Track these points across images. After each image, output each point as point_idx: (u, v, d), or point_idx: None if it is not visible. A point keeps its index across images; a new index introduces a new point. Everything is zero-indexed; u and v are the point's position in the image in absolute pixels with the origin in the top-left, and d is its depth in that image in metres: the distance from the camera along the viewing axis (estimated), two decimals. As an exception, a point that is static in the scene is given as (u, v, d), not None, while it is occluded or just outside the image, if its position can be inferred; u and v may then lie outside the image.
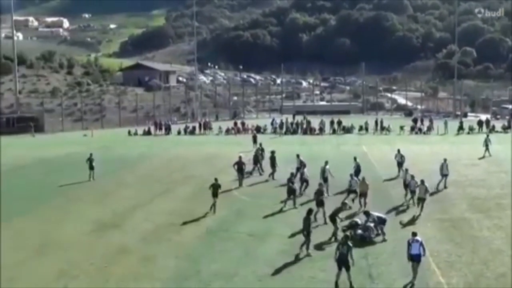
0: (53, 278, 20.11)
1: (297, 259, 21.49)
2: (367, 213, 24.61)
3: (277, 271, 20.20)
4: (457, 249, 22.07)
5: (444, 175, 33.11)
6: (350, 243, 18.78)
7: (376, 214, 24.43)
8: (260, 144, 42.77)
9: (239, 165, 35.65)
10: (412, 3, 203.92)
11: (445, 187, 32.67)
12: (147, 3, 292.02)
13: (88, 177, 38.12)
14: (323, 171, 32.39)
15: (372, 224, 23.70)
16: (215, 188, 28.96)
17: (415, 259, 19.24)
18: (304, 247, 21.72)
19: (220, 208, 29.40)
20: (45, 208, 30.40)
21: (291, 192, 29.62)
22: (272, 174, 37.49)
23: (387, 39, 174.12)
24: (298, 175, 33.46)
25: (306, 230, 21.92)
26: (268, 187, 35.08)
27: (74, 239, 24.67)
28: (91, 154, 39.02)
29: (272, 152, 38.45)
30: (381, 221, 23.92)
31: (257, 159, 39.57)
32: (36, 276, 20.25)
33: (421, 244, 19.42)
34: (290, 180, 30.37)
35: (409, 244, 19.54)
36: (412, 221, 26.10)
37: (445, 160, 33.60)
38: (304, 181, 32.40)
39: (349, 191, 29.91)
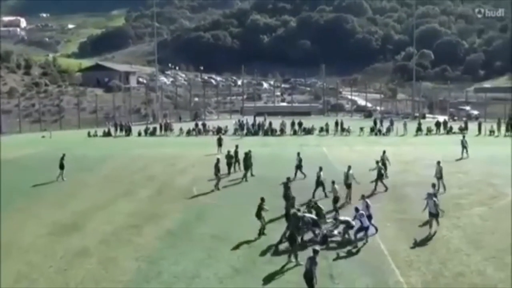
0: (12, 281, 19.77)
1: (258, 260, 21.55)
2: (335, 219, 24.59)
3: (239, 273, 20.22)
4: (416, 249, 22.36)
5: (438, 178, 32.36)
6: (317, 259, 17.72)
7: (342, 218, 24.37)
8: (237, 146, 41.61)
9: (217, 167, 34.92)
10: (372, 6, 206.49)
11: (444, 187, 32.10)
12: (106, 3, 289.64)
13: (57, 178, 38.00)
14: (347, 176, 30.77)
15: (336, 231, 23.72)
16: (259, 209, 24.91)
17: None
18: (292, 255, 21.05)
19: (181, 209, 29.38)
20: (5, 210, 29.77)
21: (288, 199, 26.99)
22: (249, 174, 37.61)
23: (347, 41, 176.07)
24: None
25: (292, 238, 21.35)
26: (237, 188, 35.07)
27: (34, 241, 24.30)
28: (64, 155, 39.03)
29: (246, 153, 38.33)
30: (348, 226, 23.80)
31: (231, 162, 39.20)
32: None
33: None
34: (287, 185, 28.65)
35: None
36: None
37: (438, 162, 33.18)
38: (320, 184, 30.99)
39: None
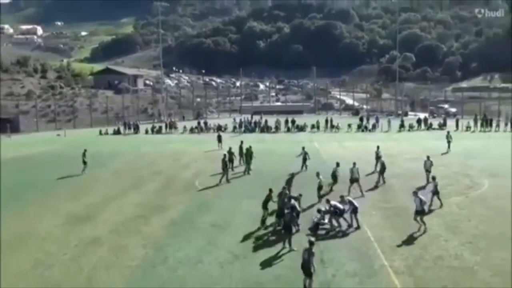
0: (30, 267, 19.77)
1: (255, 247, 21.57)
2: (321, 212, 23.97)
3: (238, 258, 20.21)
4: (399, 235, 22.35)
5: (427, 171, 32.02)
6: (313, 250, 17.35)
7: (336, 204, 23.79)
8: (242, 142, 41.07)
9: (224, 162, 34.61)
10: (358, 13, 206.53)
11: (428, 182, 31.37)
12: (116, 12, 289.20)
13: (82, 171, 38.43)
14: (352, 172, 29.82)
15: (326, 219, 23.61)
16: (267, 200, 24.49)
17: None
18: (286, 242, 21.07)
19: (185, 201, 29.37)
20: (23, 203, 29.76)
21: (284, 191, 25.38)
22: (247, 169, 37.39)
23: (336, 46, 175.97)
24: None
25: (286, 224, 21.33)
26: (236, 182, 34.79)
27: (50, 231, 24.27)
28: (85, 150, 39.23)
29: (247, 149, 38.13)
30: (334, 213, 23.67)
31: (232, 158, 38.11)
32: (13, 265, 19.86)
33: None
34: (288, 183, 27.80)
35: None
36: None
37: (428, 157, 32.74)
38: (335, 180, 30.37)
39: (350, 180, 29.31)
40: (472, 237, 22.06)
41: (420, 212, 23.14)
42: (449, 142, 45.56)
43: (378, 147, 37.26)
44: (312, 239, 18.11)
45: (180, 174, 37.96)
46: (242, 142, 41.30)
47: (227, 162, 35.07)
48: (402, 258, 19.86)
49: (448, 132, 48.06)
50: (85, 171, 38.57)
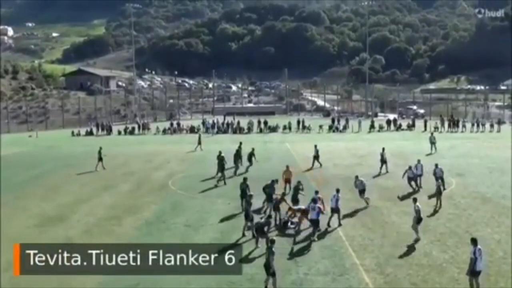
0: (2, 269, 19.37)
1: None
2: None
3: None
4: (370, 234, 22.52)
5: (418, 175, 31.24)
6: (273, 249, 16.81)
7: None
8: (240, 143, 40.15)
9: (221, 165, 34.03)
10: (329, 16, 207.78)
11: (419, 186, 31.09)
12: (87, 14, 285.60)
13: (95, 167, 39.35)
14: (355, 184, 28.06)
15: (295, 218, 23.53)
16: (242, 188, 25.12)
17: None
18: (259, 242, 20.85)
19: (158, 201, 29.17)
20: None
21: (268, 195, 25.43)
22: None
23: (307, 48, 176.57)
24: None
25: (260, 229, 21.04)
26: (209, 182, 34.44)
27: (22, 232, 23.85)
28: (100, 148, 40.10)
29: (237, 150, 37.99)
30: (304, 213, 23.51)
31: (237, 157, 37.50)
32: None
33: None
34: (272, 185, 26.03)
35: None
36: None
37: (418, 161, 32.19)
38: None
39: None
40: (440, 235, 22.32)
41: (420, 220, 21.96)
42: (433, 143, 45.33)
43: (383, 149, 36.72)
44: (274, 238, 17.98)
45: (153, 175, 37.69)
46: (241, 143, 40.21)
47: (223, 164, 34.35)
48: (373, 256, 19.97)
49: (432, 134, 48.38)
50: (102, 166, 39.54)
